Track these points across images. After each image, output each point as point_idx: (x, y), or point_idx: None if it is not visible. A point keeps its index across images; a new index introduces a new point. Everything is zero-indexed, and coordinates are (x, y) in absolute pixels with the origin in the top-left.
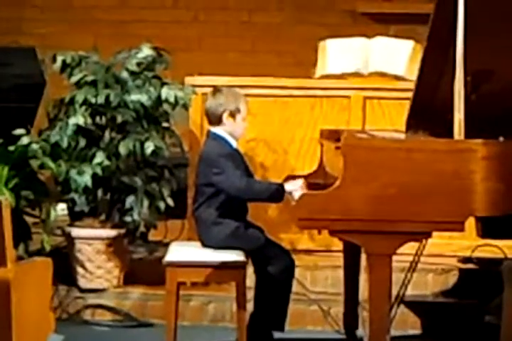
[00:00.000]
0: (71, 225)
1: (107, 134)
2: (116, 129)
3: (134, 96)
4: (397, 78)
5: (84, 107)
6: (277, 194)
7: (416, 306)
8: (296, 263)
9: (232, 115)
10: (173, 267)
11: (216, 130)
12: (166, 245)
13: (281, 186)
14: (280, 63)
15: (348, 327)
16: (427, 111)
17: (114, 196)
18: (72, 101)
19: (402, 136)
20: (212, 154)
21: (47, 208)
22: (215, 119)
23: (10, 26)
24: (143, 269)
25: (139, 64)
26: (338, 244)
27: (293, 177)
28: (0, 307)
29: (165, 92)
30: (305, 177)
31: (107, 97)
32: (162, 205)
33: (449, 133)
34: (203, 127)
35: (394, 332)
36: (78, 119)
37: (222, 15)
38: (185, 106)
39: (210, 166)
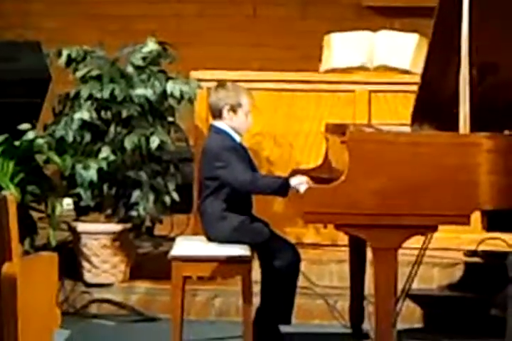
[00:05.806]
0: (77, 220)
1: (112, 129)
2: (122, 124)
3: (139, 91)
4: (403, 72)
5: (89, 102)
6: (281, 189)
7: (422, 300)
8: (302, 257)
9: (233, 109)
10: (178, 261)
11: (218, 124)
12: (172, 239)
13: (286, 180)
14: (285, 57)
15: (354, 321)
16: (433, 105)
17: (120, 191)
18: (77, 95)
19: (408, 129)
20: (215, 147)
21: (52, 203)
22: (217, 113)
23: (15, 20)
24: (149, 264)
25: (144, 58)
26: (343, 238)
27: (298, 172)
28: (6, 301)
29: (170, 87)
30: (310, 171)
31: (112, 92)
32: (167, 200)
33: (454, 126)
34: (208, 121)
35: (400, 326)
36: (83, 114)
37: (227, 9)
38: (191, 101)
39: (213, 160)
